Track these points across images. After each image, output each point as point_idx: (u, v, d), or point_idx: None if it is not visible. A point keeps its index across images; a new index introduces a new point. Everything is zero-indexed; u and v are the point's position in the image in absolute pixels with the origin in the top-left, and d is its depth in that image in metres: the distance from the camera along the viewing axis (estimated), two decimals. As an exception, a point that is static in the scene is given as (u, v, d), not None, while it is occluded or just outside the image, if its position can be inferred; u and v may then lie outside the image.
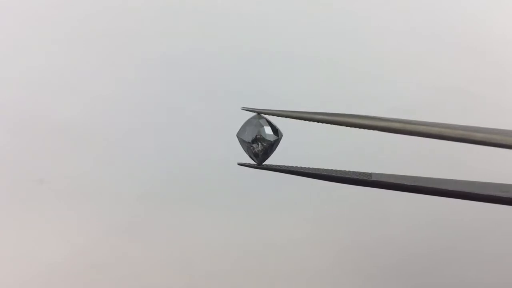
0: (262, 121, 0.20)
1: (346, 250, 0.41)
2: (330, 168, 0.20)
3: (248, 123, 0.20)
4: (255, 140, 0.20)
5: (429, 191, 0.19)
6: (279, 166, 0.20)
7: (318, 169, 0.20)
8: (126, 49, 0.38)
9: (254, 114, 0.20)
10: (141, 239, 0.40)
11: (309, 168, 0.20)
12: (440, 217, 0.41)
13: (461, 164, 0.39)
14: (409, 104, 0.39)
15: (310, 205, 0.41)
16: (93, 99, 0.38)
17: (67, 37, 0.38)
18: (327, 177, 0.20)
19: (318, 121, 0.19)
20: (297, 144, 0.35)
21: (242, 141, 0.20)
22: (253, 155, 0.20)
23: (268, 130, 0.20)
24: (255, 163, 0.20)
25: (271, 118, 0.20)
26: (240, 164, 0.21)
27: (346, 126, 0.18)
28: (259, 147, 0.20)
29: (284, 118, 0.19)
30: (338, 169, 0.20)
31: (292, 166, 0.20)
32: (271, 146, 0.20)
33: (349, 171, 0.20)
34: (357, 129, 0.18)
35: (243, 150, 0.20)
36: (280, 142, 0.20)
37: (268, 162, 0.20)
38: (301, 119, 0.19)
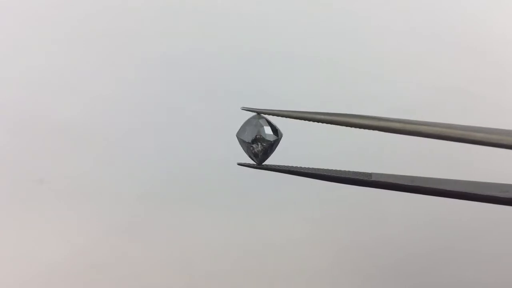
0: (262, 121, 0.20)
1: (346, 250, 0.41)
2: (330, 168, 0.20)
3: (248, 123, 0.20)
4: (255, 140, 0.20)
5: (429, 191, 0.19)
6: (279, 166, 0.20)
7: (318, 169, 0.20)
8: (126, 49, 0.38)
9: (254, 114, 0.20)
10: (141, 239, 0.40)
11: (309, 168, 0.20)
12: (439, 217, 0.41)
13: (461, 164, 0.39)
14: (409, 104, 0.39)
15: (309, 205, 0.41)
16: (93, 99, 0.38)
17: (67, 37, 0.38)
18: (327, 177, 0.20)
19: (318, 121, 0.19)
20: (297, 144, 0.35)
21: (242, 141, 0.20)
22: (253, 155, 0.20)
23: (268, 130, 0.20)
24: (254, 163, 0.20)
25: (271, 118, 0.20)
26: (240, 164, 0.21)
27: (346, 126, 0.18)
28: (259, 147, 0.20)
29: (284, 118, 0.19)
30: (338, 169, 0.20)
31: (292, 166, 0.20)
32: (271, 146, 0.20)
33: (349, 171, 0.20)
34: (357, 129, 0.18)
35: (243, 150, 0.20)
36: (280, 142, 0.20)
37: (267, 162, 0.20)
38: (301, 119, 0.19)
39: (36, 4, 0.37)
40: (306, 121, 0.19)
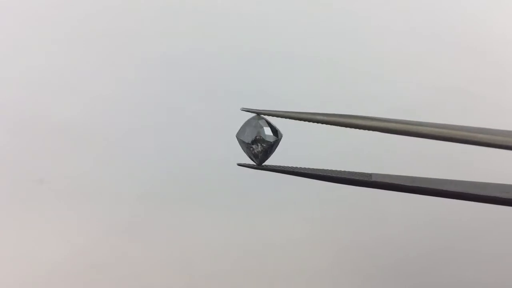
0: (261, 122, 0.20)
1: (346, 250, 0.41)
2: (330, 168, 0.20)
3: (247, 124, 0.20)
4: (255, 141, 0.20)
5: (429, 192, 0.19)
6: (279, 166, 0.20)
7: (318, 169, 0.20)
8: (126, 49, 0.38)
9: (253, 114, 0.20)
10: (141, 239, 0.40)
11: (308, 169, 0.20)
12: (439, 217, 0.41)
13: (461, 164, 0.39)
14: (409, 104, 0.39)
15: (309, 205, 0.41)
16: (93, 99, 0.38)
17: (67, 37, 0.38)
18: (327, 177, 0.20)
19: (318, 121, 0.19)
20: (297, 145, 0.35)
21: (241, 142, 0.20)
22: (252, 155, 0.20)
23: (267, 131, 0.20)
24: (254, 163, 0.20)
25: (270, 118, 0.20)
26: (239, 165, 0.21)
27: (346, 126, 0.18)
28: (259, 148, 0.20)
29: (283, 118, 0.19)
30: (338, 169, 0.20)
31: (292, 167, 0.20)
32: (270, 147, 0.20)
33: (349, 172, 0.20)
34: (357, 129, 0.18)
35: (242, 151, 0.20)
36: (280, 143, 0.20)
37: (267, 162, 0.20)
38: (300, 120, 0.19)
39: (36, 4, 0.37)
40: (306, 122, 0.19)
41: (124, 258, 0.40)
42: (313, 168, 0.20)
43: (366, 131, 0.18)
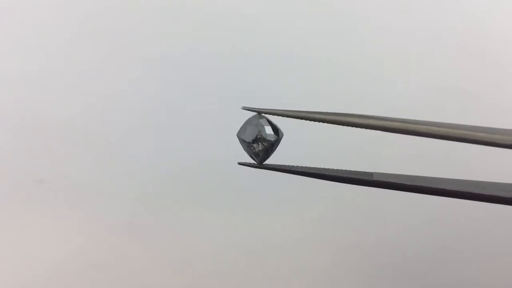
0: (262, 121, 0.20)
1: (345, 250, 0.41)
2: (330, 167, 0.20)
3: (248, 122, 0.20)
4: (256, 140, 0.20)
5: (430, 191, 0.19)
6: (280, 165, 0.20)
7: (319, 168, 0.20)
8: (126, 49, 0.38)
9: (254, 113, 0.20)
10: (141, 239, 0.40)
11: (309, 168, 0.20)
12: (439, 217, 0.41)
13: (461, 163, 0.39)
14: (409, 104, 0.39)
15: (309, 205, 0.41)
16: (93, 99, 0.38)
17: (67, 37, 0.38)
18: (328, 176, 0.20)
19: (319, 120, 0.19)
20: (298, 144, 0.35)
21: (242, 141, 0.20)
22: (253, 154, 0.20)
23: (268, 129, 0.20)
24: (255, 162, 0.20)
25: (271, 117, 0.20)
26: (240, 164, 0.21)
27: (347, 125, 0.18)
28: (260, 147, 0.20)
29: (284, 117, 0.19)
30: (339, 168, 0.20)
31: (293, 166, 0.20)
32: (271, 146, 0.20)
33: (350, 171, 0.20)
34: (358, 128, 0.18)
35: (243, 150, 0.20)
36: (281, 142, 0.20)
37: (268, 161, 0.20)
38: (301, 119, 0.19)
39: (36, 4, 0.37)
40: (307, 121, 0.19)
41: (124, 258, 0.40)
42: (313, 167, 0.20)
43: (366, 130, 0.18)
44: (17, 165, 0.38)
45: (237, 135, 0.20)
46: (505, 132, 0.17)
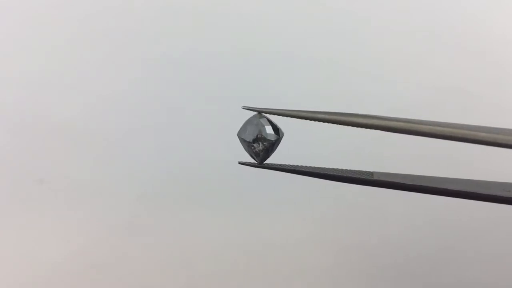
0: (263, 121, 0.20)
1: (347, 250, 0.41)
2: (331, 167, 0.20)
3: (248, 122, 0.20)
4: (256, 140, 0.20)
5: (432, 191, 0.19)
6: (280, 165, 0.20)
7: (319, 168, 0.20)
8: (126, 49, 0.38)
9: (254, 113, 0.20)
10: (141, 239, 0.40)
11: (310, 167, 0.20)
12: (439, 217, 0.41)
13: (462, 163, 0.39)
14: (409, 104, 0.39)
15: (311, 205, 0.41)
16: (93, 99, 0.38)
17: (67, 37, 0.38)
18: (328, 176, 0.20)
19: (319, 120, 0.19)
20: (298, 143, 0.35)
21: (243, 141, 0.20)
22: (254, 154, 0.20)
23: (269, 129, 0.20)
24: (256, 162, 0.20)
25: (272, 117, 0.20)
26: (240, 163, 0.21)
27: (347, 125, 0.18)
28: (260, 147, 0.20)
29: (285, 117, 0.19)
30: (340, 168, 0.20)
31: (293, 165, 0.20)
32: (272, 146, 0.20)
33: (351, 170, 0.20)
34: (358, 128, 0.18)
35: (243, 150, 0.20)
36: (281, 141, 0.20)
37: (268, 161, 0.20)
38: (302, 118, 0.19)
39: (36, 4, 0.37)
40: (307, 121, 0.19)
41: (124, 258, 0.40)
42: (314, 167, 0.20)
43: (367, 129, 0.18)
44: (17, 165, 0.38)
45: (237, 135, 0.20)
46: (509, 132, 0.17)
